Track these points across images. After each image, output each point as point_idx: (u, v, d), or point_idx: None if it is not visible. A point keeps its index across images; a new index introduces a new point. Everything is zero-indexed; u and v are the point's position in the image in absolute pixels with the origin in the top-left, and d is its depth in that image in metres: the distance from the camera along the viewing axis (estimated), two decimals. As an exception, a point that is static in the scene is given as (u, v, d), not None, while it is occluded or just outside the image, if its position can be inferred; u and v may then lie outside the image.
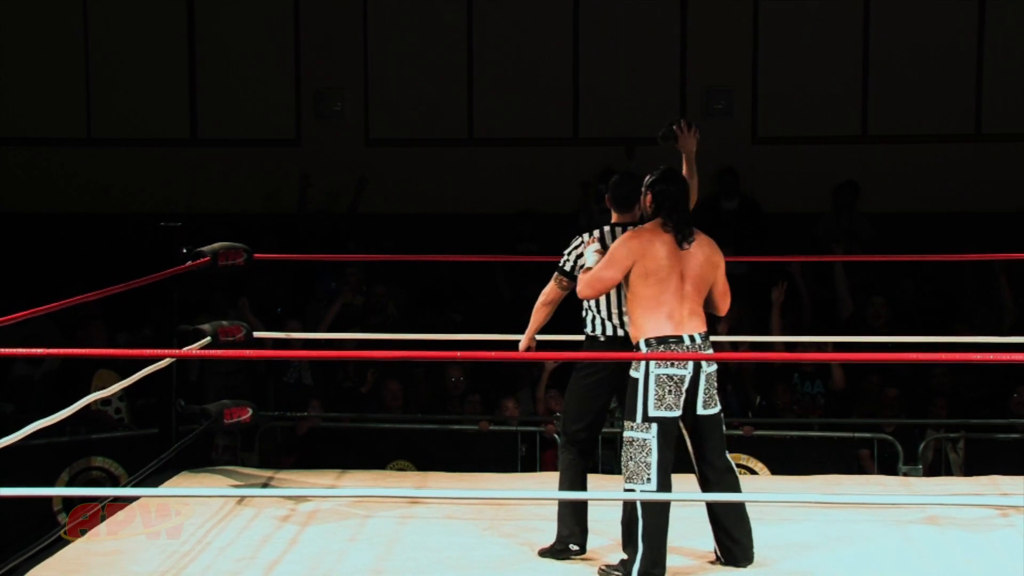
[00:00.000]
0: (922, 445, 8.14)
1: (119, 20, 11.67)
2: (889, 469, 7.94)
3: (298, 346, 8.66)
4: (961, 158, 11.21)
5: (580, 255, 5.17)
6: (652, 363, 4.85)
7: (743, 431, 8.17)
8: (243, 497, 6.09)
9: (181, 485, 6.31)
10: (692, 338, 4.91)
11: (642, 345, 4.94)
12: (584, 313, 5.25)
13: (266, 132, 11.63)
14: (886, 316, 9.18)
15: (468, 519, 5.80)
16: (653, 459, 4.86)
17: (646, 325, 4.92)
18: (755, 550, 5.14)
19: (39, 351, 5.51)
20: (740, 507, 5.07)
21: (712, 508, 5.09)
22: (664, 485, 4.88)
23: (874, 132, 11.33)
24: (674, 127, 5.36)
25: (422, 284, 10.25)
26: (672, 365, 4.86)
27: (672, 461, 4.94)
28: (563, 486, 5.23)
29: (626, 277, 4.95)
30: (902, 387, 8.73)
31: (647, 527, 4.87)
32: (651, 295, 4.91)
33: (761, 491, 6.58)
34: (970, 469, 8.00)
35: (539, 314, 5.31)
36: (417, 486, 6.61)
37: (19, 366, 9.34)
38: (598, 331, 5.19)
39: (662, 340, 4.90)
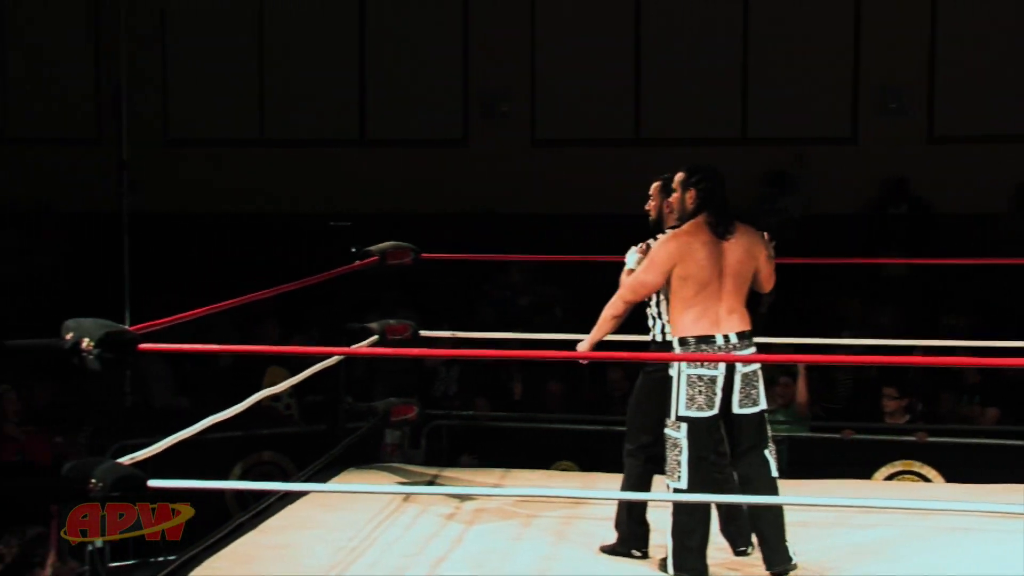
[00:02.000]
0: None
1: (292, 22, 11.90)
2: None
3: (462, 346, 8.71)
4: None
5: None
6: (684, 363, 4.82)
7: (917, 437, 7.96)
8: (409, 494, 6.14)
9: (348, 481, 6.38)
10: (727, 338, 4.84)
11: (676, 344, 4.90)
12: (649, 322, 5.16)
13: (434, 133, 11.74)
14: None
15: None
16: (684, 458, 4.84)
17: (680, 324, 4.88)
18: (920, 554, 5.00)
19: (214, 348, 5.65)
20: (777, 510, 4.94)
21: (750, 509, 5.00)
22: (696, 483, 4.82)
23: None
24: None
25: (588, 285, 10.20)
26: (703, 365, 4.81)
27: (711, 459, 4.86)
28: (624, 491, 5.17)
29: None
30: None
31: (676, 524, 4.86)
32: (688, 295, 4.85)
33: (934, 499, 6.42)
34: None
35: (607, 326, 5.09)
36: (582, 487, 6.58)
37: (194, 361, 9.58)
38: (661, 336, 5.10)
39: (699, 339, 4.84)
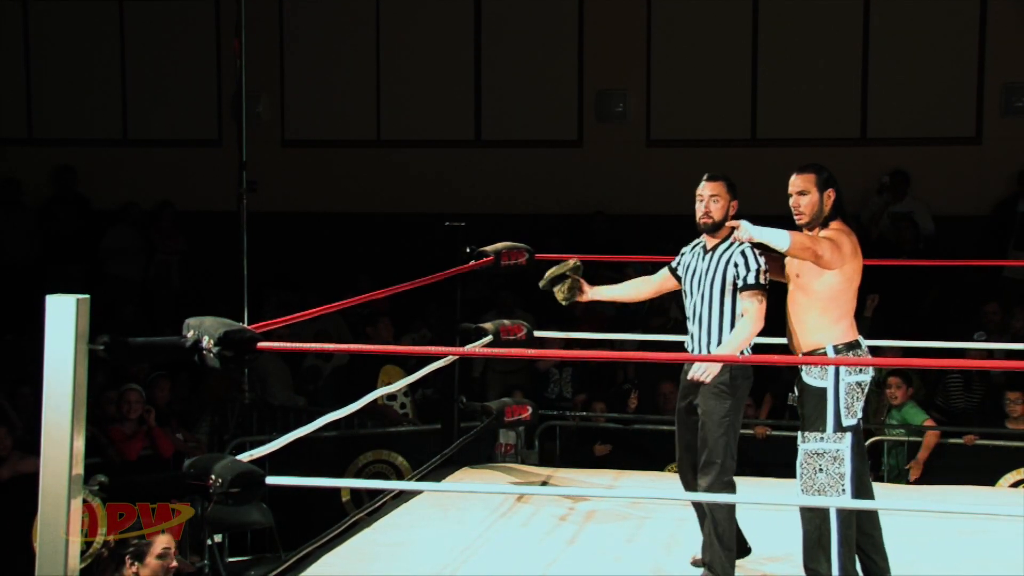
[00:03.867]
0: None
1: (407, 24, 12.00)
2: None
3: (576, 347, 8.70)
4: None
5: (767, 271, 4.83)
6: (843, 371, 4.61)
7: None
8: (523, 494, 6.14)
9: (462, 481, 6.40)
10: (860, 343, 4.71)
11: (830, 351, 4.65)
12: (694, 328, 4.93)
13: (549, 133, 11.75)
14: None
15: (744, 523, 5.67)
16: (847, 469, 4.64)
17: (833, 330, 4.64)
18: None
19: (330, 347, 5.70)
20: (875, 520, 4.79)
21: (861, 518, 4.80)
22: (857, 494, 4.68)
23: None
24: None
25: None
26: (861, 371, 4.63)
27: (864, 469, 4.76)
28: (720, 520, 4.90)
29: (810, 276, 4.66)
30: None
31: (843, 538, 4.64)
32: (847, 299, 4.65)
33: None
34: None
35: (747, 342, 4.83)
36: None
37: (310, 360, 9.70)
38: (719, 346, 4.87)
39: (850, 346, 4.66)
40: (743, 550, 5.11)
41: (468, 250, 6.47)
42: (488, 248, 6.49)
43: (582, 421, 8.70)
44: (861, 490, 4.73)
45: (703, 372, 4.84)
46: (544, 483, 6.56)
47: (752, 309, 4.81)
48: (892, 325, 8.50)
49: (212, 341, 3.59)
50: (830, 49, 11.20)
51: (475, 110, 11.92)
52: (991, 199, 10.71)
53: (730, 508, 4.92)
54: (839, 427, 4.64)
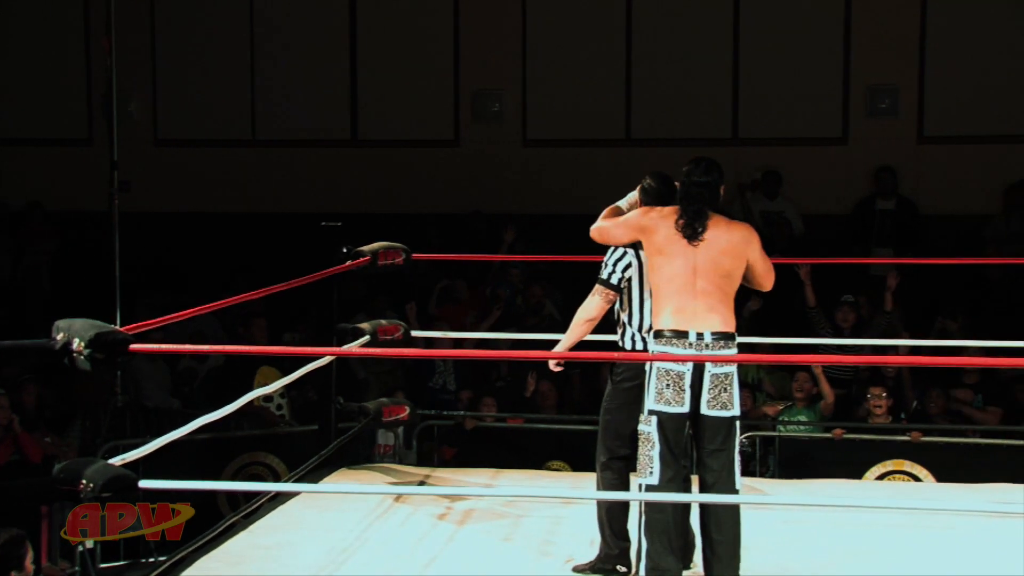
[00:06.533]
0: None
1: (282, 22, 11.91)
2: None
3: (448, 346, 8.72)
4: None
5: (627, 265, 4.99)
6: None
7: (911, 437, 7.98)
8: (401, 495, 6.14)
9: (340, 481, 6.38)
10: (700, 335, 4.74)
11: (650, 337, 4.84)
12: (619, 329, 5.08)
13: (426, 133, 11.75)
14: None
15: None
16: (655, 452, 4.76)
17: (656, 317, 4.82)
18: (915, 554, 4.97)
19: (205, 348, 5.65)
20: (734, 516, 4.81)
21: (701, 513, 4.85)
22: (666, 479, 4.75)
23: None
24: None
25: (581, 285, 10.23)
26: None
27: (680, 456, 4.79)
28: (602, 508, 5.05)
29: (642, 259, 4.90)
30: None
31: (649, 522, 4.77)
32: (662, 284, 4.79)
33: (924, 498, 6.44)
34: None
35: (580, 330, 5.06)
36: (572, 487, 6.59)
37: (185, 361, 9.58)
38: (638, 346, 5.01)
39: (658, 334, 4.78)
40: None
41: (345, 250, 6.45)
42: (365, 248, 6.48)
43: (461, 420, 8.71)
44: (677, 477, 4.78)
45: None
46: (422, 483, 6.57)
47: (585, 302, 5.05)
48: (767, 323, 8.68)
49: (83, 343, 3.55)
50: (702, 50, 11.36)
51: (351, 109, 11.86)
52: (856, 198, 10.97)
53: (614, 495, 5.05)
54: (649, 410, 4.78)
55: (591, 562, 5.16)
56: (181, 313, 4.44)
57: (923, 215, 10.77)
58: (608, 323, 5.17)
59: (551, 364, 5.23)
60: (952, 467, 7.72)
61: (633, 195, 5.16)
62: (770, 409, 8.57)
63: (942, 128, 11.10)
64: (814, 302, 8.81)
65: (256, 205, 11.81)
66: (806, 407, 8.39)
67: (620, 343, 5.09)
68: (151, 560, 7.17)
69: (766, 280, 4.97)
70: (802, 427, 8.35)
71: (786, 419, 8.42)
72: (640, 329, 5.00)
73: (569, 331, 5.10)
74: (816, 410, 8.36)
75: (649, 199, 5.04)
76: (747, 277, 4.92)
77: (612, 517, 5.09)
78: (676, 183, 4.98)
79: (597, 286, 5.04)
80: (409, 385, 9.12)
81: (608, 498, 5.09)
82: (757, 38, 11.27)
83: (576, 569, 5.17)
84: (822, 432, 8.26)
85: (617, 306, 5.07)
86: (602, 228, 5.03)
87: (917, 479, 7.72)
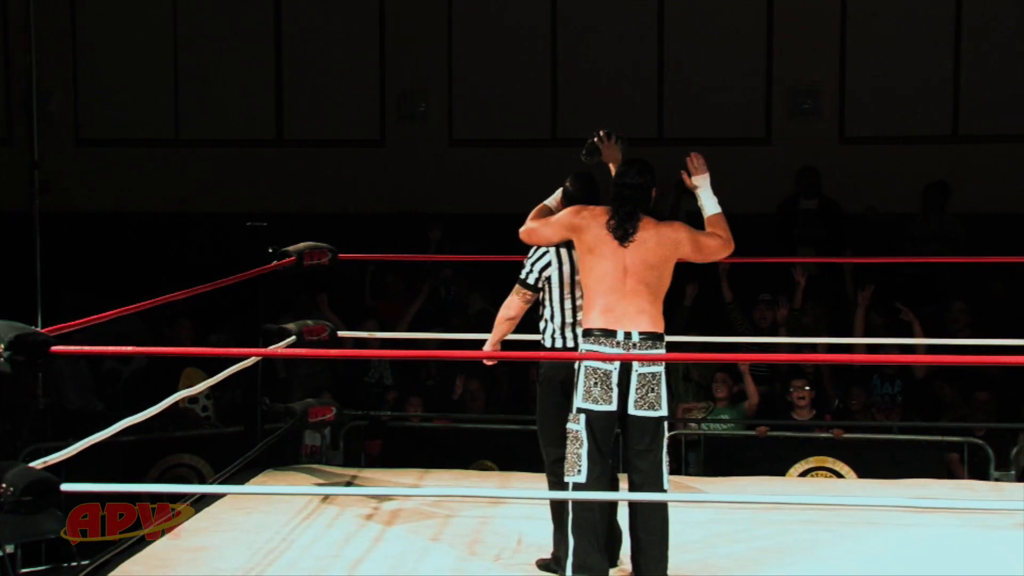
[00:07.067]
0: (1015, 450, 7.98)
1: (207, 21, 11.82)
2: (980, 474, 7.80)
3: (377, 345, 8.70)
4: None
5: (546, 265, 5.05)
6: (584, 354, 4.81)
7: (833, 434, 8.08)
8: (327, 495, 6.12)
9: (266, 483, 6.35)
10: (628, 335, 4.78)
11: (581, 336, 4.89)
12: (541, 325, 5.13)
13: (352, 133, 11.72)
14: (966, 320, 9.06)
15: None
16: (583, 450, 4.78)
17: (586, 316, 4.86)
18: (841, 550, 5.04)
19: (128, 349, 5.61)
20: (663, 523, 4.84)
21: (630, 513, 4.88)
22: (593, 477, 4.77)
23: (965, 132, 11.14)
24: (595, 139, 5.24)
25: (509, 285, 10.24)
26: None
27: (607, 455, 4.82)
28: (556, 506, 5.05)
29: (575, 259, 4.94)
30: (994, 391, 8.58)
31: (576, 520, 4.79)
32: (592, 283, 4.82)
33: (846, 495, 6.53)
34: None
35: (501, 328, 5.16)
36: (499, 486, 6.60)
37: (108, 363, 9.48)
38: (557, 344, 5.06)
39: (587, 333, 4.82)
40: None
41: (270, 250, 6.43)
42: (290, 248, 6.46)
43: (393, 420, 8.69)
44: (604, 476, 4.82)
45: None
46: (349, 483, 6.55)
47: (506, 301, 5.15)
48: (692, 322, 8.75)
49: (2, 345, 3.50)
50: (627, 51, 11.41)
51: (276, 109, 11.80)
52: (779, 197, 11.08)
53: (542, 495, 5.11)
54: (577, 408, 4.81)
55: (548, 559, 5.17)
56: (104, 314, 4.40)
57: (846, 214, 10.90)
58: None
59: (485, 360, 5.26)
60: (873, 463, 7.83)
61: (559, 194, 5.20)
62: (693, 410, 8.60)
63: (863, 128, 11.26)
64: (731, 298, 8.90)
65: (181, 205, 11.71)
66: (728, 406, 8.46)
67: (542, 340, 5.13)
68: (73, 564, 7.09)
69: (719, 254, 5.03)
70: (725, 426, 8.42)
71: (710, 419, 8.49)
72: (561, 327, 5.03)
73: (493, 330, 5.20)
74: (740, 409, 8.43)
75: (569, 203, 5.07)
76: (698, 259, 4.97)
77: (561, 518, 5.04)
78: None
79: (516, 286, 5.12)
80: (338, 385, 9.08)
81: (534, 497, 5.12)
82: (682, 39, 11.36)
83: (538, 563, 5.18)
84: (744, 430, 8.33)
85: (540, 304, 5.10)
86: (531, 229, 5.05)
87: (840, 475, 7.82)
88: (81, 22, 11.92)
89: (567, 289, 5.02)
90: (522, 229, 5.09)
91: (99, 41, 11.91)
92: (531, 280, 5.08)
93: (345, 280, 9.93)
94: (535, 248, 5.10)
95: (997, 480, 7.62)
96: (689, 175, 5.23)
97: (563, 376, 4.95)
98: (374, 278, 10.13)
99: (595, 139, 5.23)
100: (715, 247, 5.01)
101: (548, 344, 5.08)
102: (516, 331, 5.21)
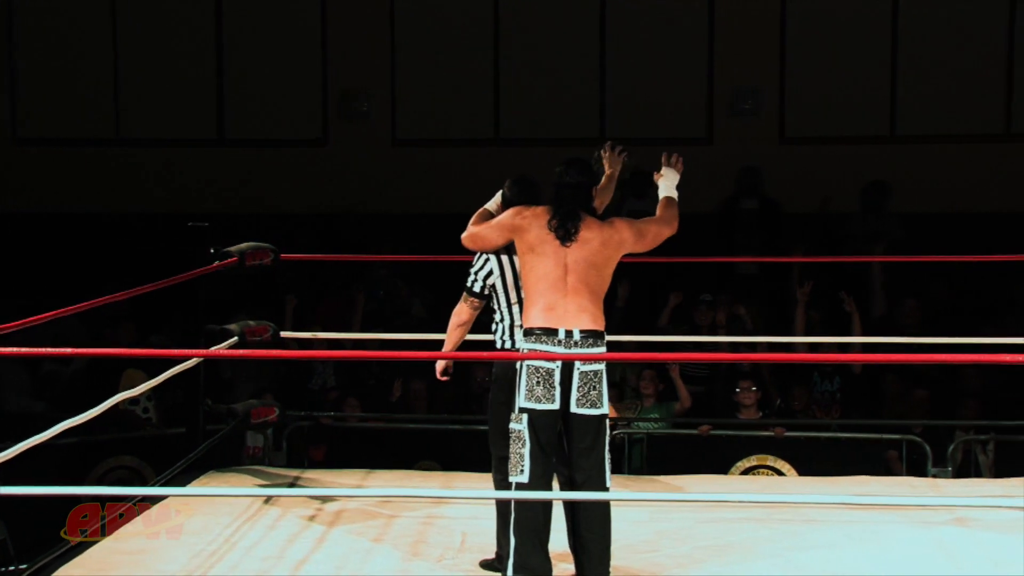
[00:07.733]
0: (952, 447, 8.09)
1: (146, 20, 11.73)
2: (918, 471, 7.90)
3: (322, 347, 8.68)
4: (991, 158, 11.15)
5: (488, 273, 5.08)
6: (526, 353, 4.82)
7: (775, 432, 8.14)
8: (270, 497, 6.10)
9: (208, 485, 6.31)
10: (569, 333, 4.79)
11: (521, 336, 4.89)
12: (493, 327, 5.16)
13: (294, 132, 11.68)
14: (918, 317, 9.17)
15: (494, 519, 5.77)
16: (526, 450, 4.79)
17: (527, 315, 4.86)
18: (783, 548, 5.08)
19: (68, 351, 5.56)
20: (605, 522, 4.85)
21: (571, 513, 4.90)
22: (536, 477, 4.78)
23: (903, 132, 11.28)
24: (602, 151, 5.30)
25: (448, 285, 10.25)
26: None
27: (551, 454, 4.82)
28: (501, 505, 5.05)
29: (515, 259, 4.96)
30: (932, 388, 8.69)
31: (519, 520, 4.79)
32: (533, 282, 4.83)
33: (788, 492, 6.58)
34: (1000, 471, 7.95)
35: (453, 335, 5.20)
36: (443, 486, 6.60)
37: (48, 364, 9.39)
38: (507, 344, 5.08)
39: (528, 332, 4.83)
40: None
41: (212, 251, 6.39)
42: (232, 248, 6.43)
43: (335, 420, 8.66)
44: (547, 475, 4.82)
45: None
46: (292, 484, 6.53)
47: (455, 308, 5.20)
48: (633, 320, 8.79)
49: (-61, 348, 3.47)
50: (569, 51, 11.46)
51: (218, 109, 11.73)
52: (720, 197, 11.16)
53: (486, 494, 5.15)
54: (520, 408, 4.81)
55: (491, 559, 5.17)
56: (42, 316, 4.36)
57: (785, 214, 11.00)
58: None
59: (438, 374, 5.30)
60: (814, 461, 7.91)
61: (499, 197, 5.21)
62: (622, 409, 8.61)
63: (802, 129, 11.37)
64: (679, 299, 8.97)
65: (122, 205, 11.61)
66: (656, 404, 8.49)
67: (495, 342, 5.16)
68: (11, 568, 7.02)
69: (660, 236, 5.11)
70: (655, 424, 8.45)
71: (640, 417, 8.53)
72: (510, 328, 5.07)
73: (447, 337, 5.23)
74: (669, 407, 8.47)
75: (508, 207, 5.08)
76: (644, 249, 5.02)
77: (515, 518, 5.05)
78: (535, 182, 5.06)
79: (464, 294, 5.17)
80: (281, 386, 9.05)
81: (478, 497, 5.13)
82: (623, 40, 11.42)
83: (482, 564, 5.19)
84: (682, 428, 8.38)
85: (490, 308, 5.15)
86: (473, 234, 5.05)
87: (781, 473, 7.89)
88: (18, 20, 11.79)
89: (512, 294, 5.06)
90: (464, 235, 5.09)
91: (37, 40, 11.78)
92: (476, 288, 5.12)
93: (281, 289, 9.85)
94: (477, 256, 5.12)
95: (934, 476, 7.72)
96: (659, 170, 5.25)
97: (512, 375, 4.96)
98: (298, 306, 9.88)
99: (602, 150, 5.30)
100: (655, 232, 5.09)
101: (499, 345, 5.12)
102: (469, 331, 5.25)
